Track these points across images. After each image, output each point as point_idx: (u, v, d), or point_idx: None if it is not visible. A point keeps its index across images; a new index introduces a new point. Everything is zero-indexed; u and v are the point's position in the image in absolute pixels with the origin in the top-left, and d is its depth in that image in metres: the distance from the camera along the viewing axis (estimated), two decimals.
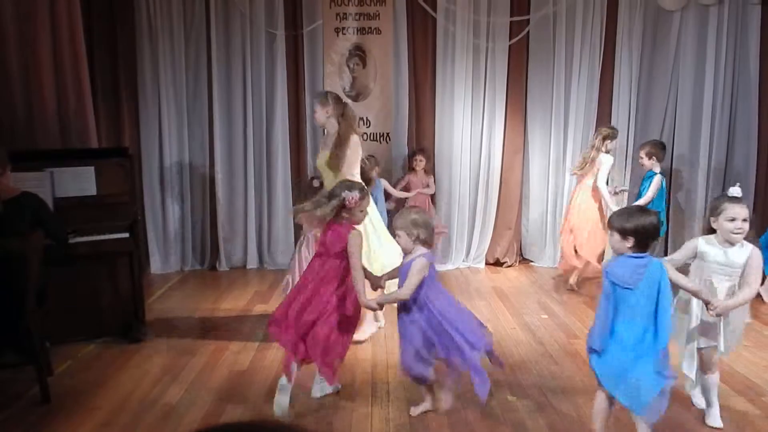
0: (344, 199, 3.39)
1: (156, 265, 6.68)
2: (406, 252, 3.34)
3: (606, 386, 2.91)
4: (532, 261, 7.09)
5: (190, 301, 5.69)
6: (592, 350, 2.93)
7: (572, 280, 6.05)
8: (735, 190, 3.25)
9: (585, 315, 5.25)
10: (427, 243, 3.29)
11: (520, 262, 7.09)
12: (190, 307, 5.50)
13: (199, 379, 3.97)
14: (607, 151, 5.93)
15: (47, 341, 3.96)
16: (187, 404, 3.62)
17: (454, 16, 6.66)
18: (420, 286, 3.23)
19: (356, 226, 3.48)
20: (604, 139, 5.93)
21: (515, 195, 6.97)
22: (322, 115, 4.60)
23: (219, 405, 3.61)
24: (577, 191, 6.14)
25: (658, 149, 5.87)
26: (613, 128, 6.11)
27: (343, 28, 6.65)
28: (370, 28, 6.66)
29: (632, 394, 2.79)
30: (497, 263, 6.98)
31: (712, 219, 3.24)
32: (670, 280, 2.86)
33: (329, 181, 4.53)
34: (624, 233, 2.84)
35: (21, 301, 3.50)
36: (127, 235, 4.55)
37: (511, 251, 7.00)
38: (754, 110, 6.78)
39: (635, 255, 2.85)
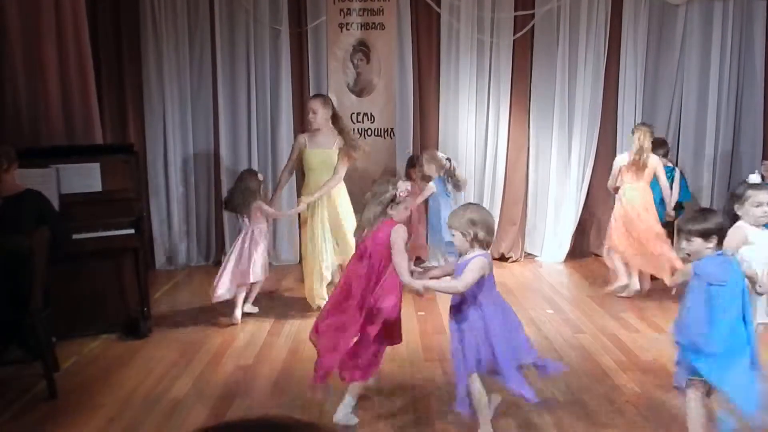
0: (397, 191, 3.23)
1: (161, 261, 6.69)
2: (461, 252, 3.12)
3: (715, 381, 2.86)
4: (536, 256, 7.08)
5: (195, 296, 5.70)
6: (688, 348, 2.91)
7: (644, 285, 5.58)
8: (755, 177, 3.36)
9: (590, 309, 5.24)
10: (485, 243, 3.08)
11: (524, 257, 7.07)
12: (196, 302, 5.50)
13: (205, 374, 3.99)
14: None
15: (53, 337, 3.98)
16: (193, 399, 3.63)
17: (458, 11, 6.64)
18: (477, 287, 3.04)
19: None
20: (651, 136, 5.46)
21: (520, 190, 6.96)
22: (323, 116, 5.00)
23: (225, 400, 3.62)
24: (627, 195, 5.49)
25: (663, 147, 5.87)
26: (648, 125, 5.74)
27: (347, 24, 6.64)
28: (374, 23, 6.64)
29: (740, 388, 2.81)
30: (502, 258, 6.96)
31: (737, 206, 3.38)
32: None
33: (318, 179, 4.97)
34: (707, 235, 2.89)
35: (26, 298, 3.52)
36: (132, 231, 4.56)
37: (515, 246, 6.98)
38: (759, 103, 6.77)
39: (719, 253, 2.91)
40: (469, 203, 3.41)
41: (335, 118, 5.13)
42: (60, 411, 3.49)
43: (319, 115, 4.99)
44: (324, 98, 5.22)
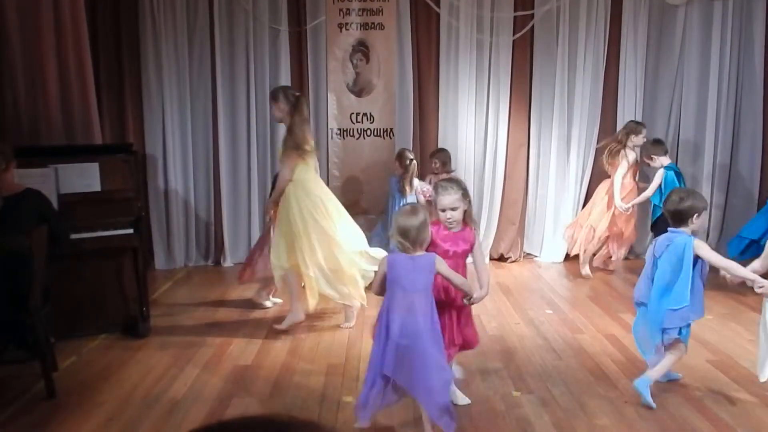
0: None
1: (160, 261, 6.69)
2: None
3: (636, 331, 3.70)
4: (536, 256, 7.08)
5: (194, 296, 5.71)
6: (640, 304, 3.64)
7: (584, 271, 6.22)
8: None
9: (589, 310, 5.24)
10: (396, 244, 3.05)
11: (523, 257, 7.07)
12: (195, 302, 5.51)
13: (204, 374, 3.99)
14: (633, 147, 6.01)
15: (52, 337, 3.97)
16: (192, 399, 3.63)
17: (458, 11, 6.64)
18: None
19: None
20: (628, 134, 6.00)
21: (519, 190, 6.96)
22: (277, 112, 4.79)
23: (224, 399, 3.63)
24: (603, 184, 6.29)
25: (653, 147, 5.99)
26: (638, 123, 6.18)
27: (347, 24, 6.64)
28: (374, 23, 6.65)
29: (638, 336, 3.71)
30: (501, 258, 6.97)
31: None
32: (701, 257, 3.39)
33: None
34: (667, 213, 3.55)
35: (26, 297, 3.52)
36: (131, 231, 4.56)
37: (515, 246, 6.98)
38: (759, 104, 6.77)
39: (671, 230, 3.49)
40: (408, 204, 3.30)
41: (294, 114, 4.66)
42: (59, 410, 3.49)
43: (274, 111, 4.81)
44: (272, 93, 4.87)
